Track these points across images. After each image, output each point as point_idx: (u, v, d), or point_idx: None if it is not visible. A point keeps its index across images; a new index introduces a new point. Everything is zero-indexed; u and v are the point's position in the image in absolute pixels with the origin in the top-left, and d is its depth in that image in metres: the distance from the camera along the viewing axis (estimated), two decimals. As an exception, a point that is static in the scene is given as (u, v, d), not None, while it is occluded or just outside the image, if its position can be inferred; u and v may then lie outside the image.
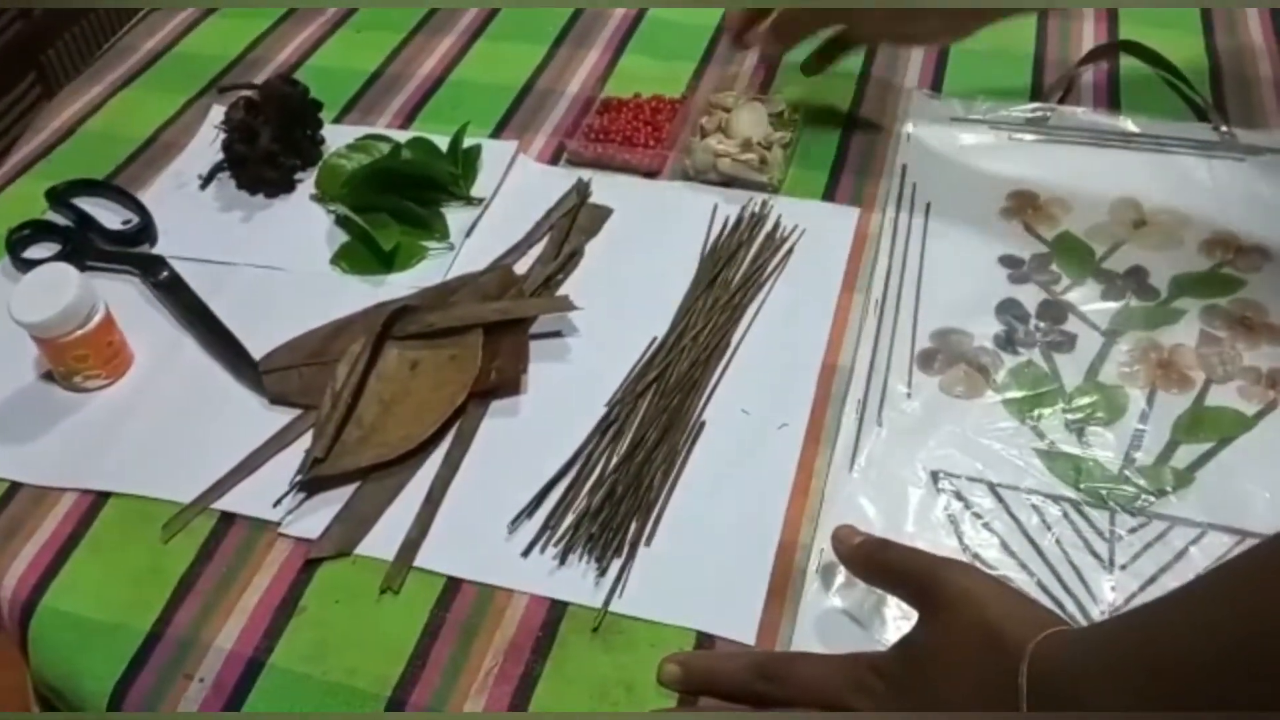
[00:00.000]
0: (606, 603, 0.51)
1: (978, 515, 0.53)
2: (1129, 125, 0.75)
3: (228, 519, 0.56)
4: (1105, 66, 0.82)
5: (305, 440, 0.58)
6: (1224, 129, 0.74)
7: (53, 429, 0.61)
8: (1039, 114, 0.77)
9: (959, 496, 0.54)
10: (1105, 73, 0.81)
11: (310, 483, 0.55)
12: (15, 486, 0.58)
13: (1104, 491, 0.54)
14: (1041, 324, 0.62)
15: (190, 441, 0.59)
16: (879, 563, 0.47)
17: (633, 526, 0.53)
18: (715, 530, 0.53)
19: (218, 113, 0.80)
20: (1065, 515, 0.53)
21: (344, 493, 0.55)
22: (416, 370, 0.59)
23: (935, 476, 0.55)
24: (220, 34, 0.93)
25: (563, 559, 0.52)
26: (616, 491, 0.54)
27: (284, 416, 0.60)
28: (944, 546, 0.52)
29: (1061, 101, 0.78)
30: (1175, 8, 0.86)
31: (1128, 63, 0.82)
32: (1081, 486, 0.54)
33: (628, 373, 0.61)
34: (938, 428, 0.57)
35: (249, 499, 0.56)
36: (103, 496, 0.57)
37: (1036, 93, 0.80)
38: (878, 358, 0.61)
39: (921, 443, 0.56)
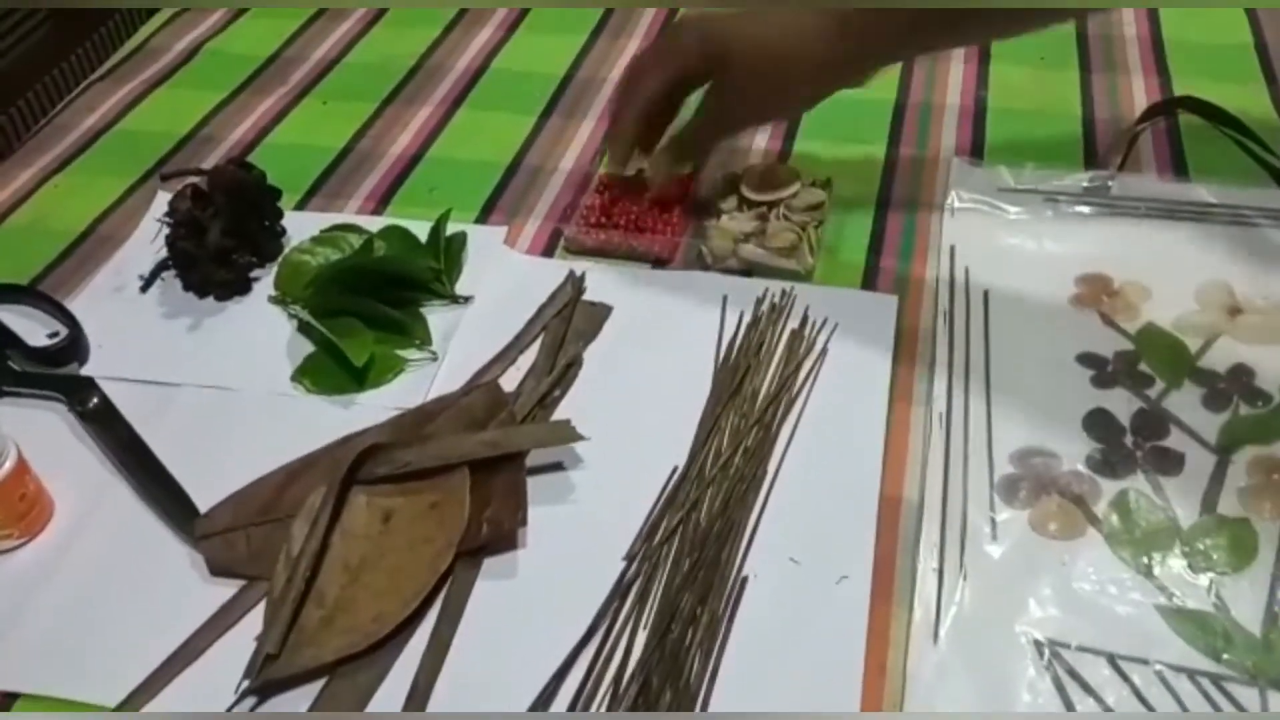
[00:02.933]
0: (643, 839, 0.40)
1: (1099, 699, 0.43)
2: (1203, 194, 0.66)
3: (160, 729, 0.44)
4: (1163, 126, 0.73)
5: (257, 614, 0.47)
6: (1311, 196, 0.65)
7: (-52, 608, 0.50)
8: (1097, 183, 0.68)
9: (1073, 675, 0.44)
10: (1164, 133, 0.73)
11: (263, 686, 0.44)
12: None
13: (1249, 664, 0.44)
14: (1140, 440, 0.52)
15: (118, 621, 0.48)
16: None
17: (672, 729, 0.42)
18: (774, 730, 0.43)
19: (163, 200, 0.70)
20: (1205, 695, 0.43)
21: (306, 694, 0.44)
22: (390, 525, 0.49)
23: (1040, 648, 0.44)
24: (169, 107, 0.84)
25: (585, 777, 0.42)
26: (652, 683, 0.43)
27: (232, 583, 0.49)
28: (1063, 746, 0.41)
29: (1120, 167, 0.69)
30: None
31: (1187, 121, 0.73)
32: (1224, 658, 0.44)
33: (647, 515, 0.51)
34: (1035, 579, 0.47)
35: (188, 700, 0.45)
36: (9, 697, 0.46)
37: (1090, 158, 0.71)
38: (950, 488, 0.51)
39: (1019, 601, 0.46)
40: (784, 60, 0.58)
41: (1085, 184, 0.68)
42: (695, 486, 0.52)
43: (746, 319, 0.61)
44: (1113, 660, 0.44)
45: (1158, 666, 0.44)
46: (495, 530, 0.49)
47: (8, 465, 0.51)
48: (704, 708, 0.43)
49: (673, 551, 0.49)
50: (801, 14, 0.57)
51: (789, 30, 0.57)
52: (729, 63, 0.59)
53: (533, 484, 0.51)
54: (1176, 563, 0.47)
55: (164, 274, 0.67)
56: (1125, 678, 0.43)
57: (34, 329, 0.63)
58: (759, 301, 0.62)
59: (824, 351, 0.59)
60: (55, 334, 0.63)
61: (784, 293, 0.62)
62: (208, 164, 0.74)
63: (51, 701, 0.45)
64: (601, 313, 0.62)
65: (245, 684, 0.44)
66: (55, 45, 1.12)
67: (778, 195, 0.65)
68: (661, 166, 0.65)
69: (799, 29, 0.58)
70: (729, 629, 0.46)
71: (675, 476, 0.52)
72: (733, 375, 0.57)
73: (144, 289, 0.66)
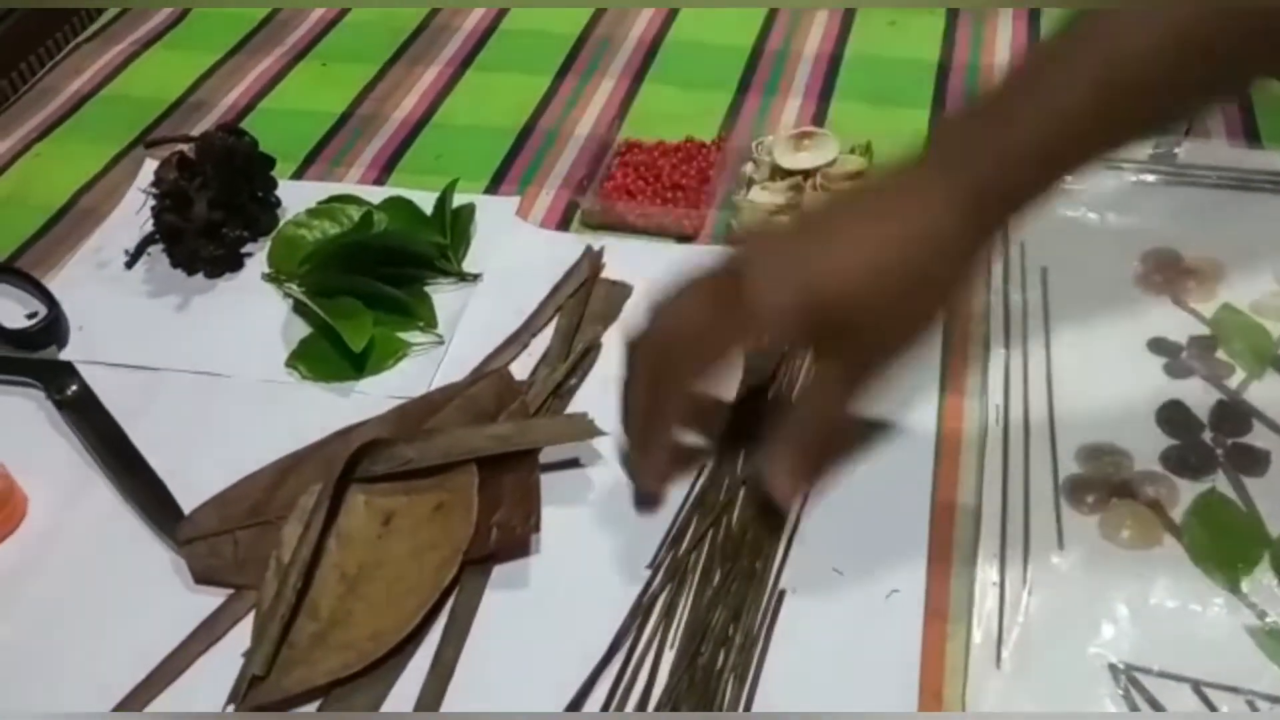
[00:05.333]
0: None
1: (1184, 733, 0.38)
2: (1278, 163, 0.60)
3: (136, 757, 0.40)
4: (1232, 87, 0.67)
5: (245, 626, 0.43)
6: (1398, 164, 0.59)
7: (-89, 617, 0.45)
8: (1163, 149, 0.62)
9: (1154, 704, 0.39)
10: (1233, 95, 0.67)
11: (249, 711, 0.40)
12: None
13: (1356, 694, 0.39)
14: (1220, 436, 0.47)
15: (93, 634, 0.44)
16: None
17: (703, 766, 0.38)
18: (818, 768, 0.38)
19: (149, 169, 0.65)
20: (1305, 730, 0.38)
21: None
22: (391, 529, 0.44)
23: (1116, 673, 0.40)
24: (159, 71, 0.78)
25: (606, 818, 0.37)
26: (680, 712, 0.39)
27: (218, 591, 0.45)
28: (1146, 789, 0.37)
29: (1187, 133, 0.64)
30: None
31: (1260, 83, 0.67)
32: (1326, 688, 0.39)
33: (673, 519, 0.46)
34: (1107, 596, 0.42)
35: (166, 727, 0.41)
36: (-30, 717, 0.42)
37: (1153, 122, 0.65)
38: (1010, 491, 0.46)
39: (1091, 619, 0.41)
40: (923, 283, 0.40)
41: (1150, 151, 0.62)
42: (726, 487, 0.47)
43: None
44: (1198, 688, 0.39)
45: (1249, 696, 0.39)
46: (506, 535, 0.44)
47: (-25, 461, 0.46)
48: (739, 740, 0.39)
49: (702, 560, 0.44)
50: (909, 201, 0.40)
51: (909, 236, 0.39)
52: (855, 325, 0.40)
53: (547, 483, 0.47)
54: (1267, 577, 0.42)
55: (150, 249, 0.62)
56: (1212, 708, 0.39)
57: (10, 309, 0.59)
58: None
59: (864, 335, 0.54)
60: (33, 315, 0.58)
61: (818, 270, 0.57)
62: (199, 130, 0.69)
63: (19, 723, 0.41)
64: (622, 292, 0.57)
65: (230, 709, 0.40)
66: (49, 11, 1.06)
67: (813, 164, 0.59)
68: (786, 482, 0.45)
69: (920, 228, 0.39)
70: (765, 650, 0.41)
71: (704, 475, 0.48)
72: (766, 362, 0.52)
73: (129, 265, 0.62)
